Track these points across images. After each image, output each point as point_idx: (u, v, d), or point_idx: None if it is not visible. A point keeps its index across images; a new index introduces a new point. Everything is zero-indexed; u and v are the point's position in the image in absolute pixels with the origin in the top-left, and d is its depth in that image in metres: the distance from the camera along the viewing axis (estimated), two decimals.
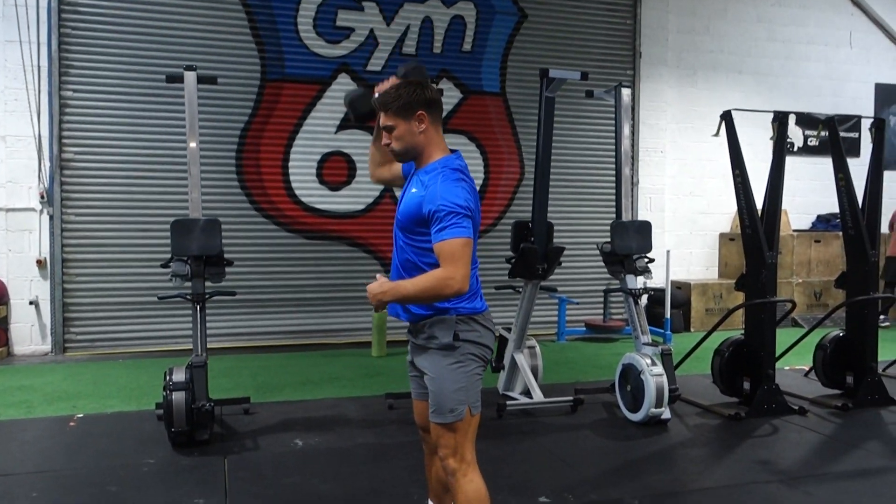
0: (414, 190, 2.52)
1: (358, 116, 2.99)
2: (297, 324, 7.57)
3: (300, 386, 5.82)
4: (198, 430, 4.26)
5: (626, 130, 5.42)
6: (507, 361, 5.48)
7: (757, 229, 5.06)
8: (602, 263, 5.35)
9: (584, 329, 8.20)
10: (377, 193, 7.85)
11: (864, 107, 9.88)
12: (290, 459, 4.11)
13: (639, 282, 5.44)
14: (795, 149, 9.28)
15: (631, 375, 4.85)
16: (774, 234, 5.12)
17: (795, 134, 9.38)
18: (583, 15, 8.46)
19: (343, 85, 7.68)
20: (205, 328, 4.61)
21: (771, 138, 5.48)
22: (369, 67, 7.75)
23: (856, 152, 9.77)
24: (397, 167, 2.81)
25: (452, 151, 2.58)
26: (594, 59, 8.40)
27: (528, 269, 5.09)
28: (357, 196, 7.81)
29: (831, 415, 5.11)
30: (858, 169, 9.45)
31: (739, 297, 8.84)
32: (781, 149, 5.24)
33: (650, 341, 5.05)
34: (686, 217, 9.15)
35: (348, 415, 5.01)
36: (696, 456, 4.33)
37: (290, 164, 7.58)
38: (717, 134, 5.36)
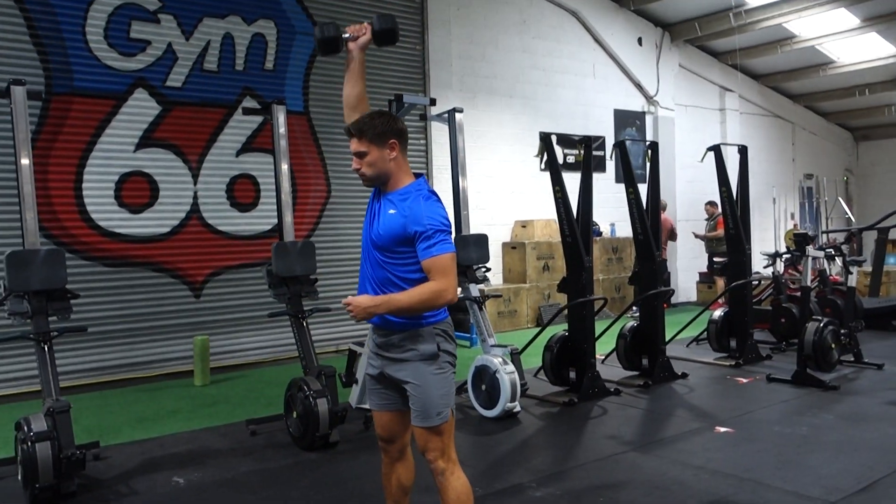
0: (392, 211, 2.67)
1: (322, 41, 2.86)
2: (101, 359, 6.91)
3: (138, 424, 5.41)
4: (65, 483, 3.86)
5: (461, 145, 5.86)
6: (359, 376, 5.62)
7: (576, 237, 5.80)
8: None
9: None
10: (183, 215, 7.47)
11: (607, 129, 11.54)
12: (181, 498, 3.91)
13: (477, 290, 5.91)
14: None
15: (485, 375, 5.30)
16: (589, 242, 5.90)
17: (558, 152, 10.68)
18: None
19: (140, 101, 7.21)
20: (55, 369, 4.17)
21: (535, 155, 6.19)
22: (169, 83, 7.36)
23: (602, 168, 11.38)
24: (365, 108, 2.90)
25: (417, 176, 2.78)
26: (391, 81, 8.82)
27: None
28: (161, 218, 7.35)
29: (638, 392, 6.04)
30: (604, 183, 11.13)
31: (523, 302, 9.90)
32: (588, 167, 6.04)
33: (497, 343, 5.55)
34: (473, 229, 9.91)
35: (213, 446, 4.81)
36: (556, 440, 4.90)
37: (85, 185, 6.93)
38: (538, 155, 5.98)
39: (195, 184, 7.53)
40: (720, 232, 10.75)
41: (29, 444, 3.75)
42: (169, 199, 7.39)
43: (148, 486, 4.09)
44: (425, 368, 2.69)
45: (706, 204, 11.60)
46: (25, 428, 3.83)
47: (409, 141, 2.85)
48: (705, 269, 12.10)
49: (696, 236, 11.62)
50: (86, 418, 5.53)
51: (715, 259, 10.80)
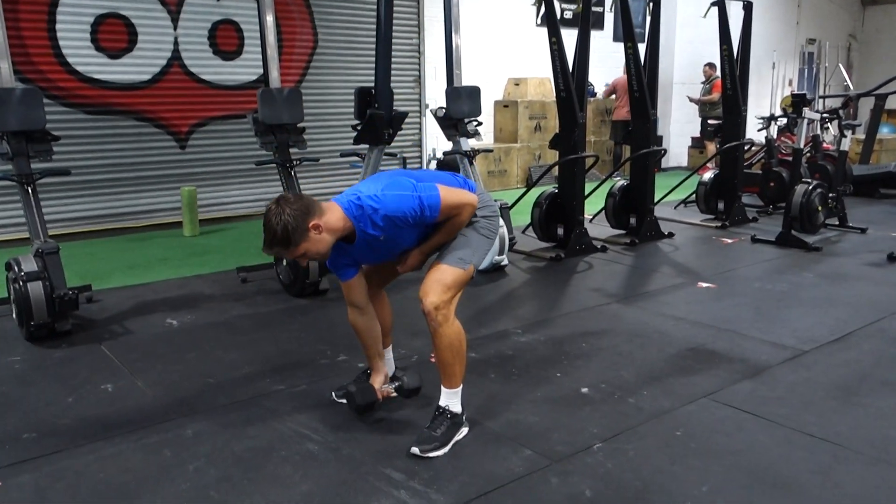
0: (382, 238, 2.62)
1: (361, 407, 2.89)
2: (88, 208, 6.87)
3: (129, 271, 5.46)
4: (60, 322, 3.92)
5: (454, 2, 5.57)
6: None
7: (570, 93, 5.65)
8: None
9: None
10: (164, 62, 7.19)
11: None
12: (176, 337, 4.00)
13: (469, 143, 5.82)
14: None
15: None
16: (584, 98, 5.75)
17: (556, 6, 10.22)
18: None
19: None
20: (41, 211, 4.13)
21: (532, 4, 5.88)
22: None
23: (600, 25, 10.97)
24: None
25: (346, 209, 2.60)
26: None
27: (375, 135, 5.21)
28: (141, 65, 7.08)
29: (625, 250, 6.12)
30: (601, 41, 10.76)
31: (513, 162, 9.81)
32: (587, 20, 5.79)
33: None
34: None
35: (205, 292, 4.89)
36: (541, 291, 5.01)
37: (59, 25, 6.59)
38: (535, 4, 5.71)
39: (175, 28, 7.20)
40: (715, 96, 10.60)
41: (21, 283, 3.78)
42: (148, 45, 7.08)
43: (142, 326, 4.18)
44: (463, 229, 2.73)
45: (705, 66, 11.28)
46: (16, 268, 3.84)
47: None
48: (698, 134, 11.99)
49: (691, 100, 11.39)
50: (76, 264, 5.56)
51: (708, 121, 10.64)
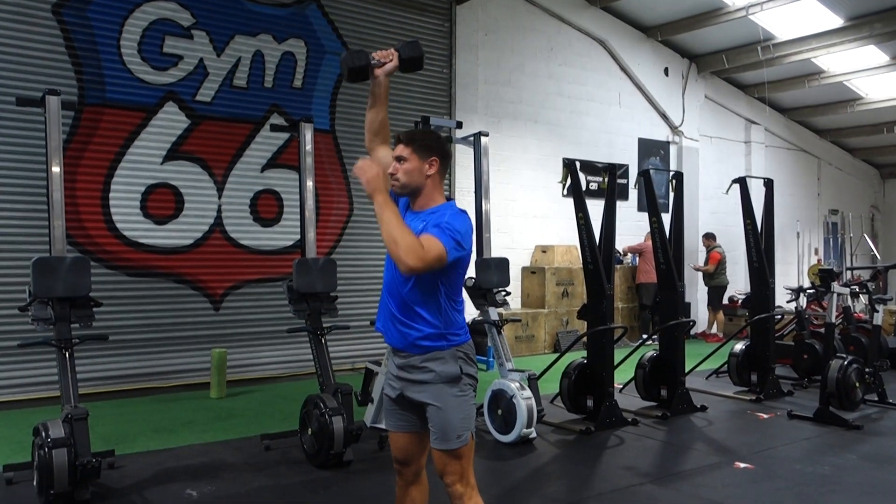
0: (421, 225, 2.65)
1: (352, 70, 2.82)
2: (120, 368, 6.95)
3: (154, 435, 5.42)
4: (79, 490, 3.86)
5: (485, 168, 5.86)
6: (375, 395, 5.60)
7: (598, 264, 5.76)
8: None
9: None
10: (206, 228, 7.54)
11: (630, 157, 11.53)
12: None
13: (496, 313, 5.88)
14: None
15: (502, 400, 5.26)
16: (611, 269, 5.86)
17: (581, 179, 10.69)
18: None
19: (169, 114, 7.32)
20: (75, 376, 4.20)
21: (559, 181, 6.15)
22: (199, 97, 7.46)
23: (624, 196, 11.35)
24: (387, 134, 2.96)
25: (448, 199, 2.78)
26: (417, 103, 8.87)
27: None
28: (184, 230, 7.43)
29: (656, 423, 5.95)
30: (626, 211, 11.10)
31: (541, 327, 9.84)
32: (612, 195, 6.02)
33: (515, 367, 5.51)
34: (495, 252, 9.91)
35: (227, 460, 4.80)
36: (571, 468, 4.84)
37: (112, 195, 7.02)
38: (562, 181, 5.97)
39: (220, 197, 7.61)
40: (710, 267, 11.14)
41: (46, 450, 3.77)
42: (193, 212, 7.46)
43: (161, 497, 4.09)
44: (447, 391, 2.67)
45: (703, 237, 11.57)
46: (43, 434, 3.84)
47: None
48: (726, 301, 12.00)
49: (694, 268, 11.56)
50: (102, 426, 5.54)
51: (735, 294, 10.83)
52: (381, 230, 2.52)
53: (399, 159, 2.69)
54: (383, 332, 2.79)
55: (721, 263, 11.21)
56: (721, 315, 11.33)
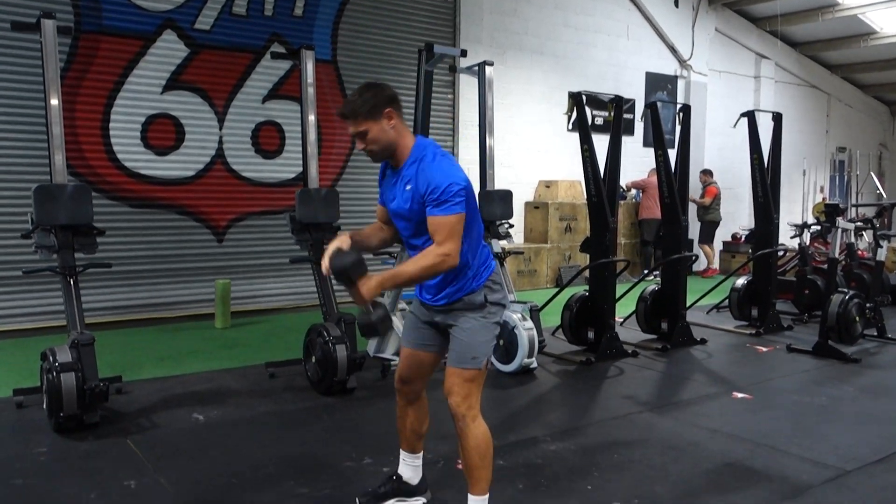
0: (409, 187, 2.60)
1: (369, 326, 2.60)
2: (125, 298, 7.01)
3: (160, 362, 5.50)
4: (88, 413, 3.93)
5: (489, 102, 5.77)
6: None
7: (602, 198, 5.72)
8: None
9: None
10: (207, 159, 7.48)
11: (637, 91, 11.33)
12: (201, 433, 3.97)
13: (500, 245, 5.88)
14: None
15: (504, 331, 5.29)
16: (615, 203, 5.82)
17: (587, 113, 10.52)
18: None
19: (168, 42, 7.16)
20: (80, 302, 4.23)
21: (564, 113, 6.03)
22: (197, 25, 7.30)
23: (630, 131, 11.20)
24: (386, 234, 2.88)
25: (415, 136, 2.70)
26: (419, 33, 8.68)
27: None
28: (186, 162, 7.37)
29: (656, 355, 6.02)
30: (631, 146, 10.97)
31: (543, 262, 9.86)
32: (618, 127, 5.94)
33: (517, 299, 5.54)
34: (498, 186, 9.85)
35: (232, 387, 4.88)
36: (571, 397, 4.91)
37: (112, 125, 6.94)
38: (567, 113, 5.88)
39: (221, 129, 7.52)
40: (706, 200, 11.10)
41: (54, 374, 3.82)
42: (194, 143, 7.39)
43: (169, 420, 4.17)
44: (471, 315, 2.69)
45: (700, 172, 11.45)
46: (51, 358, 3.89)
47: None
48: (730, 238, 12.00)
49: (690, 199, 11.47)
50: (109, 354, 5.61)
51: (739, 230, 10.78)
52: (417, 280, 2.59)
53: (360, 135, 2.57)
54: (422, 298, 2.78)
55: (716, 198, 11.16)
56: (709, 249, 11.35)
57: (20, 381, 4.70)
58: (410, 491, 3.03)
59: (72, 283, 4.21)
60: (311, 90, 5.24)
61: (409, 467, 3.04)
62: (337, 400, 4.59)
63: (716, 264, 12.08)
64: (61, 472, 3.39)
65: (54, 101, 4.31)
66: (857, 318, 6.13)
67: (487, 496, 2.70)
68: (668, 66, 11.76)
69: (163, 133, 7.22)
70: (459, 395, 2.66)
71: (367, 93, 2.56)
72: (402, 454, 3.07)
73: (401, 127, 2.61)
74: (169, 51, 7.18)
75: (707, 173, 11.35)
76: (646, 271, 7.61)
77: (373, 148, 2.60)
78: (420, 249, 2.64)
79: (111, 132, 6.94)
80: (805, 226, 8.09)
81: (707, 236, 11.33)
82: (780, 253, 7.49)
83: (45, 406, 4.00)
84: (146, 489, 3.21)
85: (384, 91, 2.59)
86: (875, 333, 6.66)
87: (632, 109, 11.12)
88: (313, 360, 4.76)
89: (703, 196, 11.24)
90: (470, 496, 2.70)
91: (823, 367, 5.70)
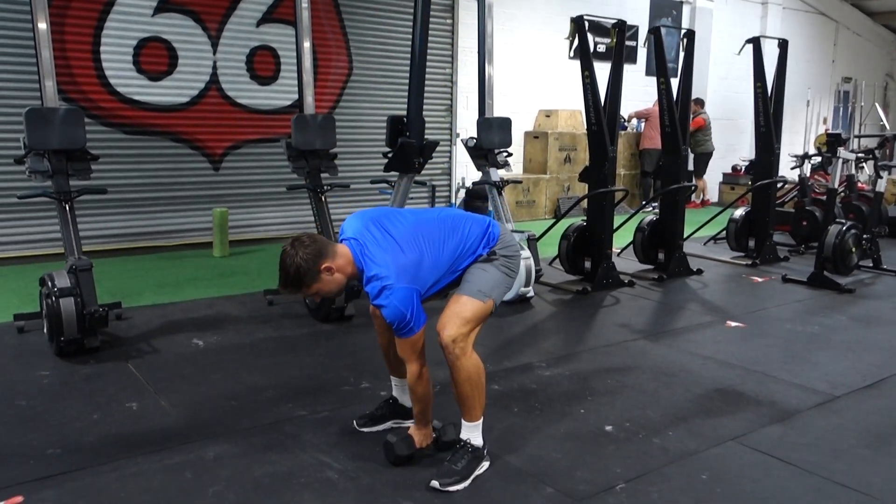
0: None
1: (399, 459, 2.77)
2: (123, 226, 6.99)
3: (159, 289, 5.53)
4: (89, 338, 3.98)
5: (489, 29, 5.64)
6: None
7: (602, 126, 5.65)
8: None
9: None
10: (202, 85, 7.34)
11: (641, 17, 11.06)
12: (201, 358, 4.03)
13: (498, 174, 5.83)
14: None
15: None
16: (615, 132, 5.75)
17: (589, 39, 10.28)
18: None
19: None
20: (76, 228, 4.22)
21: (566, 38, 5.89)
22: None
23: (633, 59, 10.99)
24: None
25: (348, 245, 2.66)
26: None
27: (406, 163, 5.26)
28: (180, 87, 7.23)
29: (652, 285, 6.06)
30: (634, 75, 10.77)
31: (542, 193, 9.81)
32: (620, 52, 5.81)
33: (515, 229, 5.53)
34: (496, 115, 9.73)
35: (231, 313, 4.92)
36: (567, 325, 4.97)
37: (102, 49, 6.78)
38: (568, 37, 5.74)
39: (214, 53, 7.36)
40: (691, 129, 10.71)
41: (53, 298, 3.84)
42: (188, 68, 7.24)
43: (168, 345, 4.22)
44: (481, 264, 2.71)
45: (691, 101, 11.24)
46: (49, 283, 3.91)
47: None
48: (729, 170, 11.92)
49: None
50: (107, 281, 5.64)
51: (739, 161, 10.65)
52: (426, 399, 2.75)
53: (315, 295, 2.65)
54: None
55: (704, 129, 10.95)
56: (703, 182, 11.26)
57: (21, 307, 4.75)
58: (406, 413, 3.07)
59: (67, 208, 4.19)
60: (305, 14, 5.09)
61: (402, 390, 3.08)
62: (335, 327, 4.64)
63: (712, 196, 12.07)
64: (64, 394, 3.44)
65: (42, 25, 4.18)
66: (854, 249, 6.14)
67: (481, 421, 2.74)
68: None
69: (155, 57, 7.06)
70: (453, 328, 2.59)
71: (293, 268, 2.54)
72: (393, 379, 3.12)
73: (339, 263, 2.59)
74: None
75: (698, 103, 11.03)
76: (644, 203, 7.57)
77: (328, 295, 2.71)
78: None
79: (102, 56, 6.78)
80: (806, 156, 8.03)
81: (700, 167, 11.22)
82: (780, 185, 7.45)
83: (45, 331, 4.05)
84: (148, 411, 3.27)
85: (309, 258, 2.54)
86: (871, 265, 6.69)
87: (635, 36, 10.88)
88: None
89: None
90: (463, 422, 2.72)
91: (818, 297, 5.75)
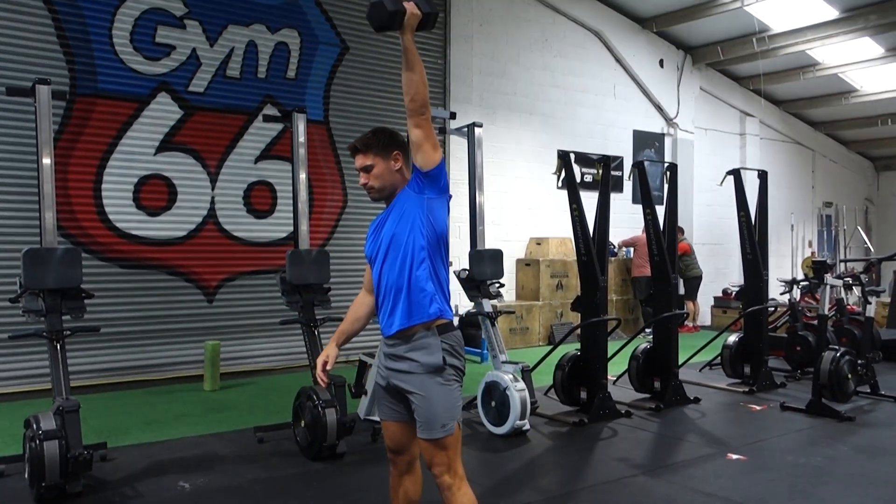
0: (399, 207, 2.69)
1: (393, 13, 2.68)
2: (113, 360, 6.93)
3: (146, 427, 5.40)
4: (71, 483, 3.85)
5: (479, 160, 5.86)
6: (369, 387, 5.59)
7: (592, 256, 5.75)
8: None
9: None
10: (199, 219, 7.51)
11: (625, 149, 11.52)
12: (187, 503, 3.88)
13: (490, 305, 5.87)
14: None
15: (496, 392, 5.26)
16: (605, 261, 5.85)
17: (576, 171, 10.66)
18: (400, 50, 8.85)
19: (162, 104, 7.27)
20: (66, 368, 4.18)
21: (553, 173, 6.12)
22: (192, 88, 7.42)
23: (619, 188, 11.34)
24: (373, 300, 2.89)
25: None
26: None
27: None
28: (178, 222, 7.39)
29: (649, 415, 5.96)
30: (621, 203, 11.09)
31: (535, 320, 9.84)
32: (606, 185, 6.01)
33: (508, 359, 5.51)
34: (489, 244, 9.89)
35: (219, 452, 4.79)
36: (565, 460, 4.84)
37: (104, 186, 6.98)
38: (556, 173, 5.95)
39: (213, 189, 7.57)
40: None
41: (37, 442, 3.75)
42: (187, 203, 7.43)
43: (153, 489, 4.08)
44: (429, 380, 2.66)
45: None
46: (34, 426, 3.83)
47: None
48: (720, 293, 12.04)
49: None
50: (95, 418, 5.52)
51: (729, 286, 10.79)
52: (411, 65, 2.65)
53: (365, 169, 2.71)
54: (385, 325, 2.76)
55: (690, 254, 11.15)
56: (692, 305, 11.34)
57: (3, 448, 4.62)
58: None
59: (58, 347, 4.17)
60: (302, 151, 5.30)
61: None
62: (327, 465, 4.51)
63: (704, 320, 12.10)
64: None
65: (46, 161, 4.34)
66: (850, 376, 6.10)
67: None
68: (654, 124, 11.98)
69: (155, 194, 7.26)
70: (441, 465, 2.63)
71: (382, 133, 2.75)
72: None
73: (405, 172, 2.73)
74: (163, 113, 7.28)
75: (678, 230, 11.37)
76: (641, 329, 7.59)
77: (374, 184, 2.73)
78: (394, 286, 2.67)
79: (104, 193, 6.98)
80: (794, 282, 8.14)
81: (690, 292, 11.33)
82: (771, 309, 7.50)
83: (27, 475, 3.92)
84: None
85: (397, 136, 2.76)
86: (868, 390, 6.64)
87: (620, 166, 11.28)
88: (303, 424, 4.69)
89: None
90: None
91: (818, 425, 5.66)
